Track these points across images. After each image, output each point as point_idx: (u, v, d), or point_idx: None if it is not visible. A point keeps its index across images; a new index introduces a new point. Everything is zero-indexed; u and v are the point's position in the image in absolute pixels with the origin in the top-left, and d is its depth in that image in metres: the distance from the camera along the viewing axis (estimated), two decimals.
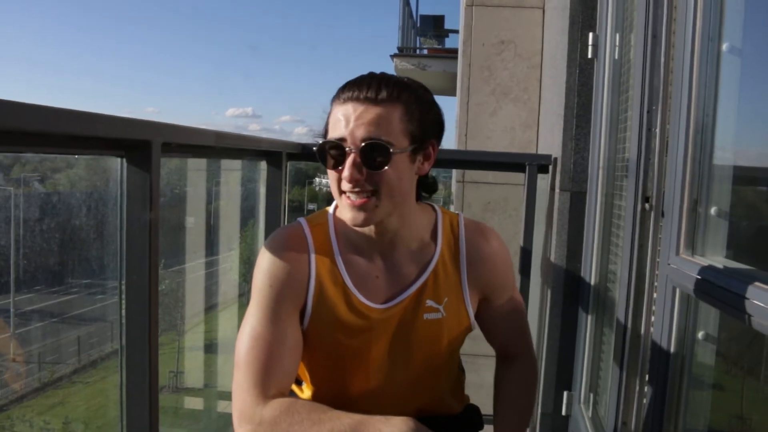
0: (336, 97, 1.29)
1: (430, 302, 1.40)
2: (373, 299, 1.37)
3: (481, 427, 1.60)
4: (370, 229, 1.34)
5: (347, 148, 1.24)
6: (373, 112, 1.24)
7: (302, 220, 1.42)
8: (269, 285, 1.34)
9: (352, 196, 1.26)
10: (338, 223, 1.40)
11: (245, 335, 1.32)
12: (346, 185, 1.26)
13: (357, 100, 1.25)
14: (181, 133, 1.69)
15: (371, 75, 1.31)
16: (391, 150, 1.24)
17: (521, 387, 1.54)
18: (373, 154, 1.23)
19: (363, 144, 1.23)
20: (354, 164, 1.23)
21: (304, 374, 1.49)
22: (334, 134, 1.26)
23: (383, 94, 1.25)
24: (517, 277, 2.70)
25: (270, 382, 1.26)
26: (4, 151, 1.56)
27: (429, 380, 1.47)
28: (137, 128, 1.45)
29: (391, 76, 1.31)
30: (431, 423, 1.27)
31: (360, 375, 1.41)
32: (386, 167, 1.24)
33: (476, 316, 1.49)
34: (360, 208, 1.26)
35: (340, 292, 1.36)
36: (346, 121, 1.24)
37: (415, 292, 1.39)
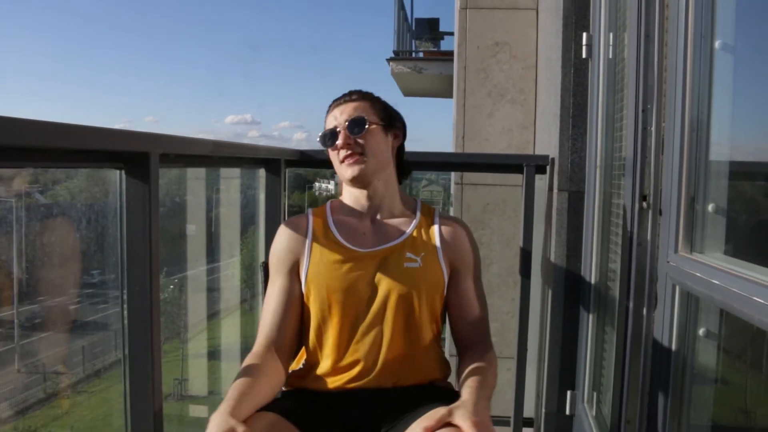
0: (328, 110, 1.84)
1: (409, 254, 1.74)
2: (358, 246, 1.74)
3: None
4: (362, 194, 1.79)
5: (338, 129, 1.76)
6: (350, 104, 1.79)
7: (308, 209, 1.87)
8: (273, 253, 1.79)
9: (348, 159, 1.74)
10: (333, 205, 1.85)
11: (265, 299, 1.78)
12: (342, 153, 1.75)
13: (338, 104, 1.81)
14: (179, 143, 1.70)
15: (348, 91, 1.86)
16: (366, 119, 1.76)
17: (482, 364, 1.64)
18: (355, 124, 1.75)
19: (348, 121, 1.75)
20: (344, 135, 1.74)
21: (311, 329, 1.74)
22: (328, 126, 1.79)
23: (355, 96, 1.82)
24: (518, 278, 2.70)
25: (269, 332, 1.68)
26: (4, 167, 1.56)
27: (413, 337, 1.71)
28: (135, 140, 1.46)
29: (357, 90, 1.85)
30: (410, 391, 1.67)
31: (349, 315, 1.69)
32: (365, 130, 1.74)
33: (445, 300, 1.79)
34: (355, 163, 1.74)
35: (332, 242, 1.76)
36: (335, 117, 1.79)
37: (396, 245, 1.75)
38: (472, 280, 1.81)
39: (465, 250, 1.81)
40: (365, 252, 1.73)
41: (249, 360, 1.59)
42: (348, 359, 1.68)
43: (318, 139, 1.81)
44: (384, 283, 1.69)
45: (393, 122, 1.84)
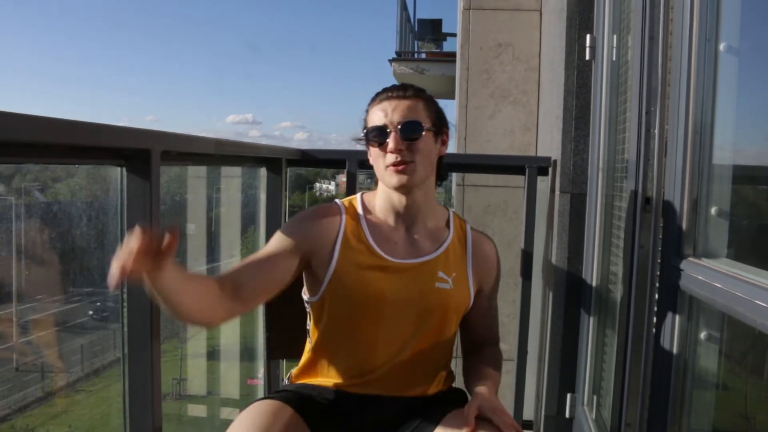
0: (372, 102, 1.66)
1: (441, 274, 1.65)
2: (391, 256, 1.64)
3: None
4: (400, 201, 1.64)
5: (389, 130, 1.58)
6: (404, 103, 1.61)
7: (336, 200, 1.74)
8: (292, 223, 1.70)
9: (396, 166, 1.57)
10: (366, 201, 1.72)
11: None
12: (390, 158, 1.58)
13: (390, 98, 1.62)
14: (181, 141, 1.70)
15: (397, 84, 1.67)
16: (422, 125, 1.59)
17: (489, 357, 1.73)
18: (410, 130, 1.58)
19: (401, 123, 1.58)
20: (396, 139, 1.57)
21: (324, 330, 1.68)
22: (375, 123, 1.61)
23: (410, 92, 1.63)
24: (519, 280, 2.70)
25: (230, 274, 1.53)
26: (5, 162, 1.56)
27: (430, 349, 1.66)
28: (137, 137, 1.46)
29: (409, 84, 1.68)
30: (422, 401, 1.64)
31: (371, 323, 1.61)
32: (420, 138, 1.58)
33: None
34: (403, 171, 1.57)
35: (363, 246, 1.64)
36: (385, 113, 1.60)
37: (430, 261, 1.66)
38: (493, 296, 1.79)
39: (492, 271, 1.76)
40: (397, 263, 1.63)
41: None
42: (362, 366, 1.64)
43: (362, 135, 1.66)
44: (412, 299, 1.62)
45: (442, 126, 1.68)
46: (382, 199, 1.69)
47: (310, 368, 1.73)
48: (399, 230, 1.67)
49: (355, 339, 1.63)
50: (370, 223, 1.67)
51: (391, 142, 1.57)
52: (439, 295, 1.63)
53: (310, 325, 1.73)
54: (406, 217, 1.67)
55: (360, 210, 1.69)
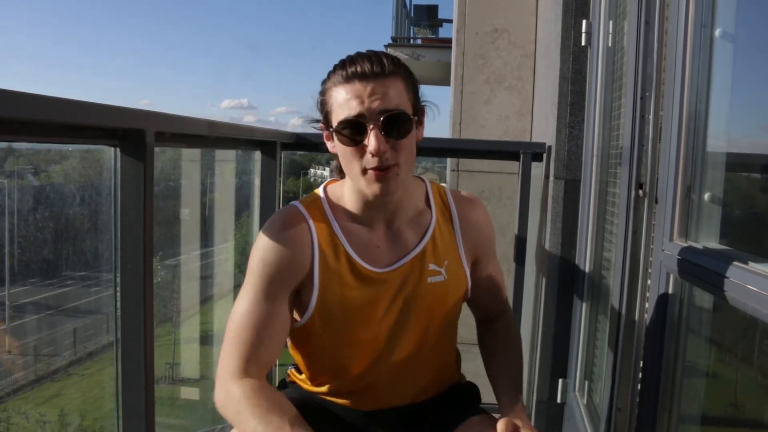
0: (334, 78, 1.31)
1: (432, 266, 1.44)
2: (374, 265, 1.40)
3: (479, 400, 1.61)
4: (377, 200, 1.35)
5: (368, 124, 1.26)
6: (384, 85, 1.26)
7: (295, 202, 1.44)
8: (266, 266, 1.35)
9: (378, 172, 1.28)
10: (332, 198, 1.44)
11: (238, 312, 1.34)
12: (371, 160, 1.27)
13: (364, 76, 1.26)
14: (175, 122, 1.69)
15: (366, 53, 1.32)
16: (410, 117, 1.29)
17: (507, 341, 1.58)
18: (395, 125, 1.27)
19: (384, 116, 1.25)
20: (379, 137, 1.25)
21: (312, 355, 1.51)
22: (348, 113, 1.27)
23: (388, 67, 1.28)
24: (512, 265, 2.70)
25: (251, 359, 1.29)
26: None
27: (434, 348, 1.49)
28: (131, 117, 1.45)
29: (381, 52, 1.33)
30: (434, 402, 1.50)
31: (368, 341, 1.42)
32: (407, 136, 1.29)
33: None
34: (386, 178, 1.28)
35: (344, 260, 1.39)
36: (360, 98, 1.26)
37: (416, 256, 1.43)
38: (492, 261, 1.58)
39: (484, 235, 1.54)
40: (384, 272, 1.40)
41: (255, 396, 1.23)
42: (364, 380, 1.46)
43: (320, 119, 1.37)
44: (407, 304, 1.42)
45: (419, 103, 1.37)
46: (354, 197, 1.41)
47: (309, 377, 1.56)
48: (378, 230, 1.42)
49: (355, 359, 1.44)
50: (345, 229, 1.41)
51: (372, 142, 1.25)
52: (434, 290, 1.44)
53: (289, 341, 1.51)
54: (385, 215, 1.42)
55: (328, 212, 1.42)
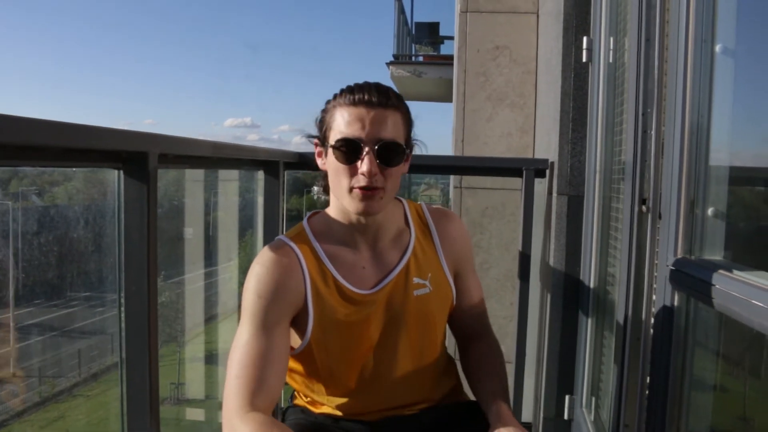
0: (341, 99, 1.41)
1: (417, 280, 1.53)
2: (361, 287, 1.49)
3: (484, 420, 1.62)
4: (360, 220, 1.46)
5: (365, 147, 1.37)
6: (385, 115, 1.38)
7: (281, 236, 1.54)
8: (262, 299, 1.42)
9: (365, 191, 1.38)
10: (316, 227, 1.53)
11: (238, 347, 1.39)
12: (361, 180, 1.37)
13: (370, 103, 1.38)
14: (178, 144, 1.70)
15: (374, 83, 1.44)
16: (404, 149, 1.41)
17: (492, 360, 1.62)
18: (389, 153, 1.38)
19: (380, 144, 1.37)
20: (372, 161, 1.36)
21: (310, 377, 1.58)
22: (349, 133, 1.38)
23: (392, 101, 1.41)
24: (516, 282, 2.70)
25: (256, 393, 1.33)
26: (2, 165, 1.56)
27: (428, 356, 1.58)
28: (134, 140, 1.45)
29: (387, 86, 1.45)
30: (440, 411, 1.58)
31: (360, 362, 1.52)
32: (398, 165, 1.40)
33: None
34: (370, 198, 1.38)
35: (332, 285, 1.47)
36: (362, 123, 1.37)
37: (400, 273, 1.52)
38: (471, 273, 1.67)
39: (462, 248, 1.63)
40: (371, 293, 1.49)
41: (265, 428, 1.27)
42: (366, 396, 1.55)
43: (317, 135, 1.48)
44: (396, 321, 1.51)
45: (411, 142, 1.50)
46: (339, 220, 1.50)
47: (309, 401, 1.64)
48: (362, 251, 1.51)
49: (350, 380, 1.53)
50: (330, 255, 1.49)
51: (365, 164, 1.36)
52: (420, 303, 1.52)
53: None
54: (368, 236, 1.51)
55: (313, 240, 1.50)
